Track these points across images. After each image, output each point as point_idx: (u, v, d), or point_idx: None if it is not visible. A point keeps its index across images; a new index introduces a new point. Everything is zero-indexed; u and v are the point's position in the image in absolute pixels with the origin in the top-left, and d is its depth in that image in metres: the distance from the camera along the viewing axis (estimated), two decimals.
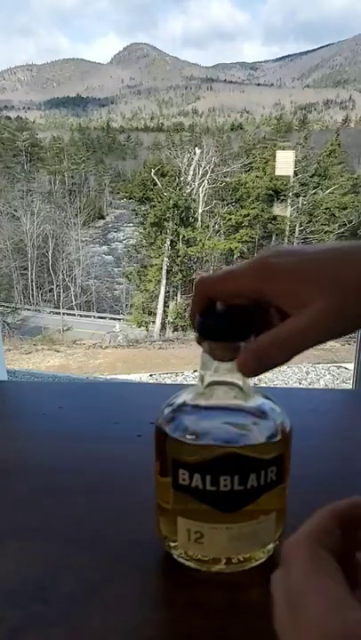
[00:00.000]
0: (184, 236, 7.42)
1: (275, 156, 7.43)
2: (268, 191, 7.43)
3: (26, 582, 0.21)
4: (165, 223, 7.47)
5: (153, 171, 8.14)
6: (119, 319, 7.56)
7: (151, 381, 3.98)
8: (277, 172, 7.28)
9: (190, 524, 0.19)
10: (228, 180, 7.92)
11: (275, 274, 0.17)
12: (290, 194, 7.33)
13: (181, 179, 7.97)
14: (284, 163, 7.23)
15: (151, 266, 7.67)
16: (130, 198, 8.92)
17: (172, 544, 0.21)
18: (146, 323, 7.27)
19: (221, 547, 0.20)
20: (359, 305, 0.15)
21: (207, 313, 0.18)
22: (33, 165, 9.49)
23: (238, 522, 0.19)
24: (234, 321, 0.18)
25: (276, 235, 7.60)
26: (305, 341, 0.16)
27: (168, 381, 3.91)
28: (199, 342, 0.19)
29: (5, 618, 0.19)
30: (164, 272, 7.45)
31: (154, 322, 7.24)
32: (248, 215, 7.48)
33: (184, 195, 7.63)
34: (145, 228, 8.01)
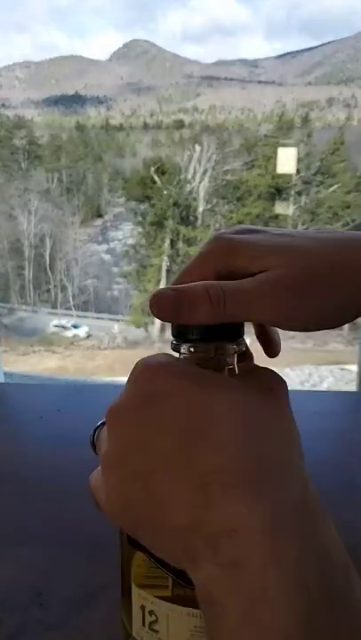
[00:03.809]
0: (184, 235, 7.35)
1: (277, 154, 7.35)
2: (270, 189, 7.36)
3: (24, 587, 0.21)
4: (165, 222, 7.40)
5: (152, 169, 8.06)
6: (118, 320, 7.52)
7: None
8: (279, 170, 7.21)
9: (145, 598, 0.15)
10: (229, 177, 7.84)
11: (234, 249, 0.14)
12: (292, 192, 7.26)
13: (181, 177, 7.89)
14: (287, 160, 7.16)
15: (151, 265, 7.61)
16: (129, 197, 8.85)
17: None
18: (145, 323, 7.22)
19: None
20: (322, 288, 0.13)
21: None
22: (30, 163, 9.39)
23: None
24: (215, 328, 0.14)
25: None
26: (255, 299, 0.13)
27: None
28: (177, 348, 0.15)
29: (4, 623, 0.19)
30: (163, 272, 7.39)
31: (153, 323, 7.19)
32: (250, 214, 7.41)
33: (184, 193, 7.56)
34: (144, 227, 7.94)
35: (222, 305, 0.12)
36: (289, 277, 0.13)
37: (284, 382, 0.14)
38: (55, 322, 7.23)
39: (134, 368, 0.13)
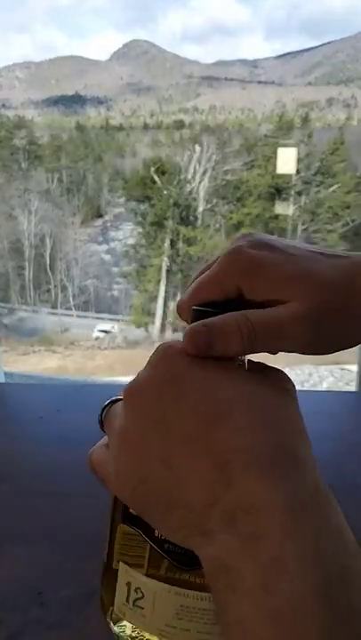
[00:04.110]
0: (184, 235, 7.35)
1: (276, 154, 7.35)
2: (270, 189, 7.36)
3: (24, 587, 0.21)
4: (165, 222, 7.40)
5: (152, 169, 8.06)
6: (118, 320, 7.52)
7: None
8: (279, 170, 7.21)
9: (133, 576, 0.15)
10: (229, 177, 7.84)
11: (256, 268, 0.14)
12: (292, 192, 7.26)
13: (181, 177, 7.90)
14: (287, 160, 7.16)
15: (151, 266, 7.61)
16: (129, 197, 8.85)
17: (111, 614, 0.16)
18: (145, 323, 7.22)
19: (165, 621, 0.14)
20: (339, 315, 0.14)
21: (203, 304, 0.15)
22: (30, 163, 9.39)
23: (194, 589, 0.14)
24: (236, 303, 0.15)
25: (279, 234, 7.55)
26: (281, 334, 0.14)
27: None
28: None
29: (4, 623, 0.19)
30: (163, 272, 7.39)
31: (153, 323, 7.19)
32: (250, 214, 7.41)
33: (184, 193, 7.57)
34: (144, 227, 7.94)
35: (252, 340, 0.13)
36: (310, 311, 0.13)
37: (293, 383, 0.14)
38: (100, 326, 7.01)
39: (155, 353, 0.14)
